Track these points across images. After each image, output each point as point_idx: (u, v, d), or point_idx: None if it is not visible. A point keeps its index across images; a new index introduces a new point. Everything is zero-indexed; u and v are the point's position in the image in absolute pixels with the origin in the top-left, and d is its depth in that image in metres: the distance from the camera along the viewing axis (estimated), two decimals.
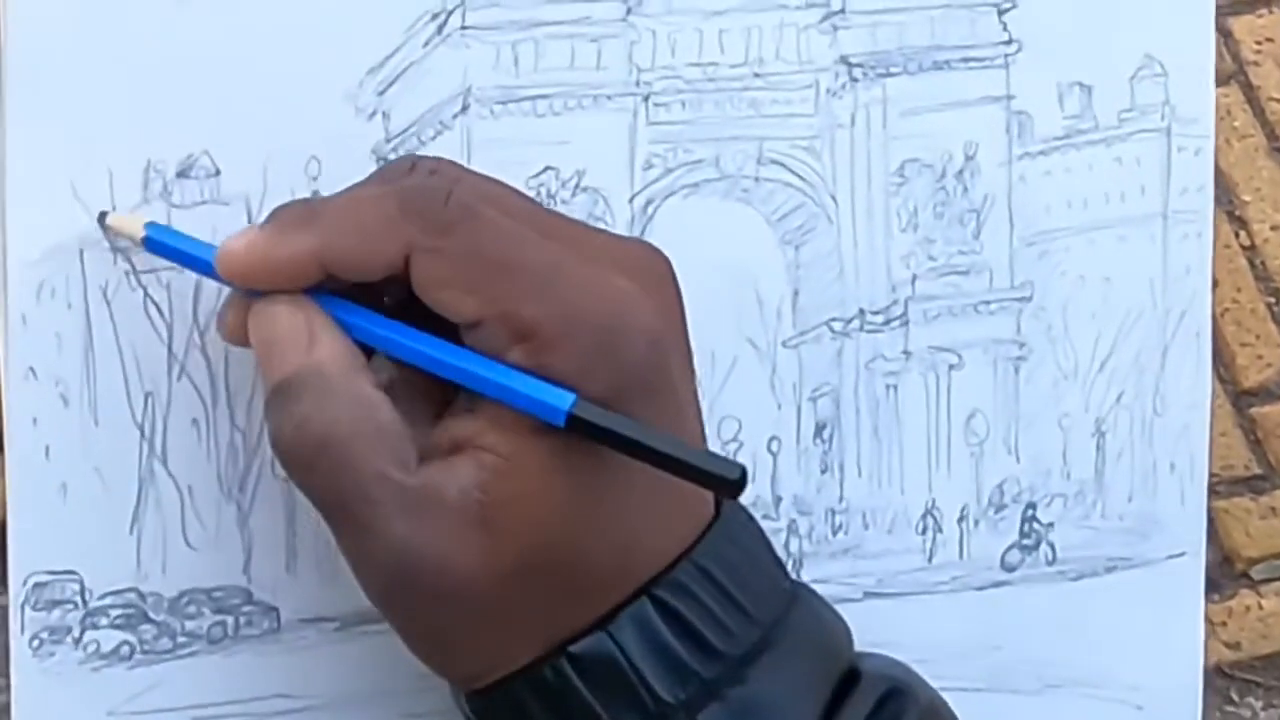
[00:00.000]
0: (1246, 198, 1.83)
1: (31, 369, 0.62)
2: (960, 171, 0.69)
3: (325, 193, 0.63)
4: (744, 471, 0.54)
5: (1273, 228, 1.83)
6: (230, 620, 0.64)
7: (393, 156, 0.64)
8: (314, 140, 0.63)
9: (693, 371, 0.59)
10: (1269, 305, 1.83)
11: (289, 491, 0.63)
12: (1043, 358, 0.71)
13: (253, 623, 0.64)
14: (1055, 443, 0.72)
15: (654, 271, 0.59)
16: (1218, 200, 1.79)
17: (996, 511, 0.71)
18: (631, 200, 0.66)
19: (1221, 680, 1.73)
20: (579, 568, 0.56)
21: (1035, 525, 0.72)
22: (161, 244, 0.61)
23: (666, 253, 0.59)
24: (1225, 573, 1.78)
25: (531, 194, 0.65)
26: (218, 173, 0.62)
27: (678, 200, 0.67)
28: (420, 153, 0.64)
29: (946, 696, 0.72)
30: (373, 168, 0.63)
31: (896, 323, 0.69)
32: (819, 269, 0.68)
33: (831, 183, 0.68)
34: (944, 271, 0.70)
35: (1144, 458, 0.73)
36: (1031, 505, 0.72)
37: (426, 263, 0.55)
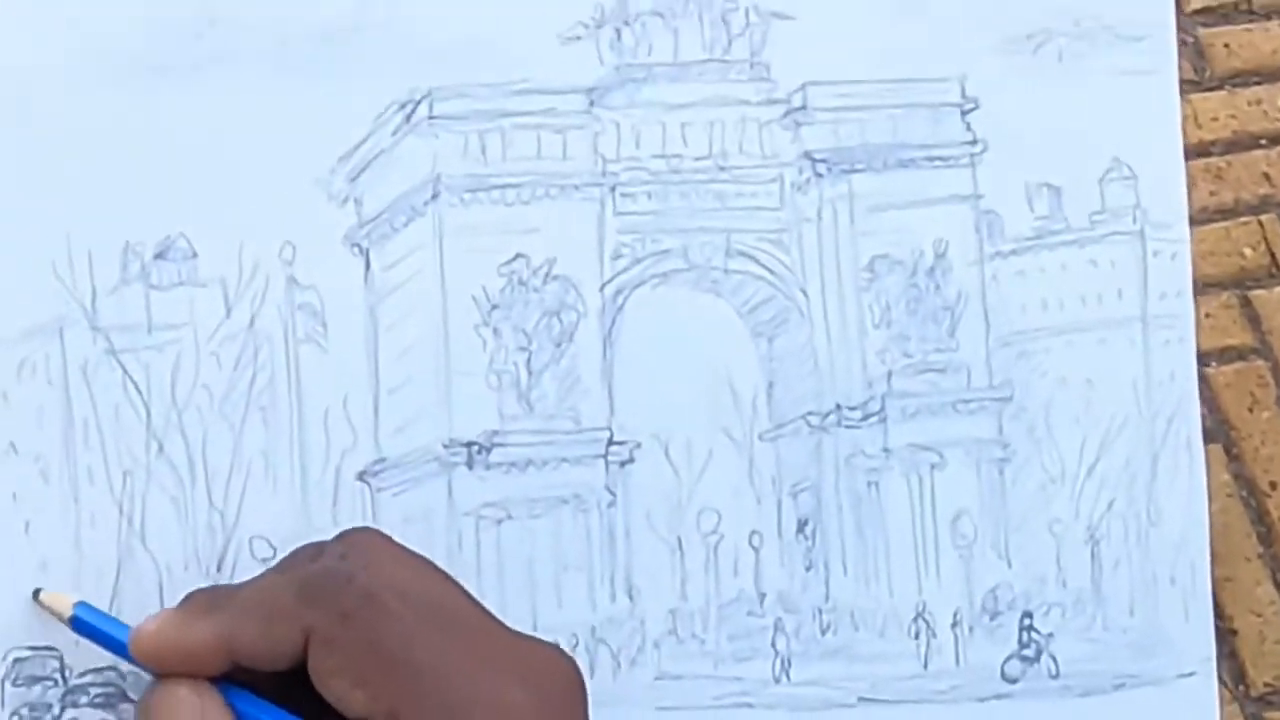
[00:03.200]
0: None
1: (12, 445, 0.63)
2: (931, 269, 0.70)
3: (300, 277, 0.65)
4: None
5: None
6: None
7: (365, 242, 0.66)
8: (288, 225, 0.65)
9: None
10: None
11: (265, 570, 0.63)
12: (1027, 460, 0.71)
13: None
14: (1048, 549, 0.71)
15: (557, 681, 0.58)
16: None
17: (991, 618, 0.70)
18: (602, 289, 0.68)
19: None
20: None
21: (1034, 635, 0.70)
22: (87, 624, 0.61)
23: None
24: None
25: (503, 281, 0.67)
26: (195, 255, 0.64)
27: (647, 290, 0.68)
28: (393, 239, 0.66)
29: None
30: (346, 253, 0.66)
31: (875, 419, 0.69)
32: (793, 362, 0.69)
33: (801, 276, 0.69)
34: (921, 369, 0.70)
35: (1142, 569, 0.71)
36: (1028, 614, 0.70)
37: (322, 651, 0.55)
